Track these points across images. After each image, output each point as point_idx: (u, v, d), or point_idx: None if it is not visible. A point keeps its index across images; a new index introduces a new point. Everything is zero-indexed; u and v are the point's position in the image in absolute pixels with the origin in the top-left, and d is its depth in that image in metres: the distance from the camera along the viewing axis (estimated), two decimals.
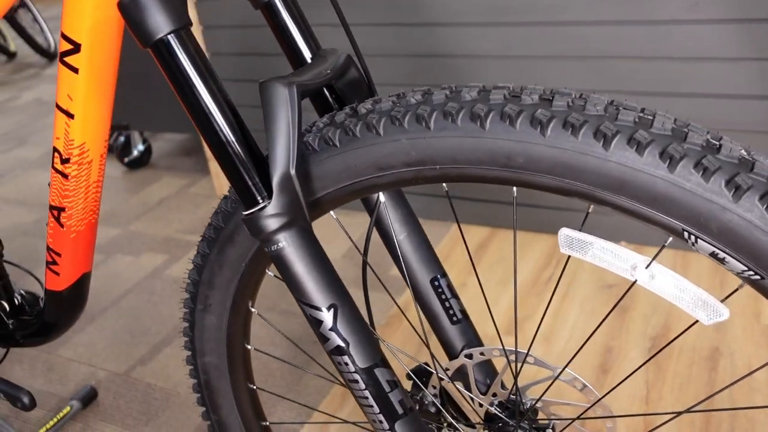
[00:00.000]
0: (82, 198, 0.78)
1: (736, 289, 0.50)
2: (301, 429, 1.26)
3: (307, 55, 0.64)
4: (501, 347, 0.66)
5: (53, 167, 0.75)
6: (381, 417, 0.58)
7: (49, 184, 0.79)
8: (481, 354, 0.69)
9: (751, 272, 0.46)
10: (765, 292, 0.47)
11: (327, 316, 0.56)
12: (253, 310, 0.74)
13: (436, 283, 0.70)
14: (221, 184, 2.22)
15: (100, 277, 1.89)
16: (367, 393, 0.58)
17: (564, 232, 0.53)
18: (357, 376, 0.58)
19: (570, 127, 0.47)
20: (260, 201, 0.55)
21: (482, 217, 1.81)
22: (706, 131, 0.47)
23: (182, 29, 0.52)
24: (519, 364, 0.66)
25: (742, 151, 0.46)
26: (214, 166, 2.20)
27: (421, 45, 1.67)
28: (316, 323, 0.57)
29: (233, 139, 0.54)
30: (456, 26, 1.61)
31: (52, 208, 0.79)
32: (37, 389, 1.47)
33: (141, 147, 2.52)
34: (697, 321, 0.51)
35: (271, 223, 0.55)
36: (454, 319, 0.71)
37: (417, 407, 0.74)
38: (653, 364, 1.30)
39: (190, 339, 0.78)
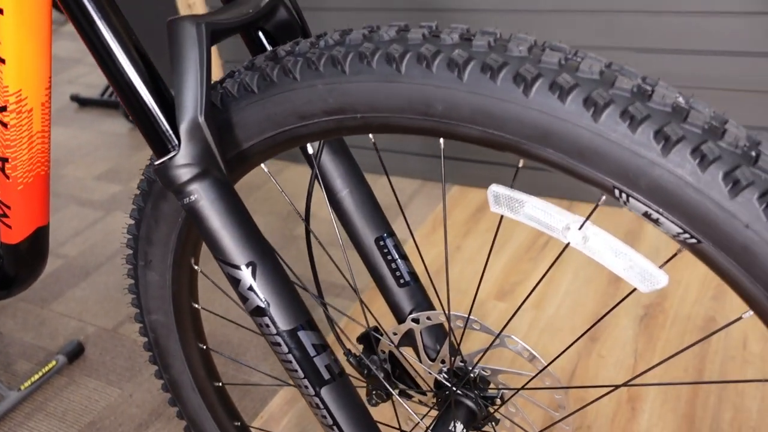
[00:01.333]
0: (25, 148, 0.75)
1: (674, 255, 0.45)
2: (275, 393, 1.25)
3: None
4: (444, 311, 0.62)
5: None
6: (306, 382, 0.55)
7: None
8: (428, 318, 0.65)
9: (687, 235, 0.41)
10: (704, 258, 0.42)
11: (245, 275, 0.53)
12: (196, 268, 0.72)
13: (382, 243, 0.66)
14: None
15: (98, 233, 1.89)
16: (290, 357, 0.55)
17: (493, 188, 0.48)
18: (279, 339, 0.54)
19: (489, 70, 0.42)
20: (170, 150, 0.51)
21: (482, 179, 1.75)
22: (641, 76, 0.42)
23: None
24: (462, 329, 0.62)
25: (679, 98, 0.40)
26: None
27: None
28: (235, 282, 0.54)
29: (140, 83, 0.51)
30: None
31: None
32: (28, 343, 1.48)
33: None
34: (635, 289, 0.47)
35: (182, 174, 0.51)
36: (401, 281, 0.67)
37: (366, 374, 0.71)
38: (643, 334, 1.25)
39: (136, 296, 0.75)
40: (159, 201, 0.65)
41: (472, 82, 0.43)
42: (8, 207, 0.81)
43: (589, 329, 0.59)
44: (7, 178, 0.78)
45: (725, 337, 1.20)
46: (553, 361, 0.59)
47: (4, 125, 0.72)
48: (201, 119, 0.49)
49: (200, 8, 1.97)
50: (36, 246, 0.88)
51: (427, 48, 0.44)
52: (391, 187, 0.61)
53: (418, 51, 0.44)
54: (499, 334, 0.60)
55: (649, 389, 1.13)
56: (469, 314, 0.60)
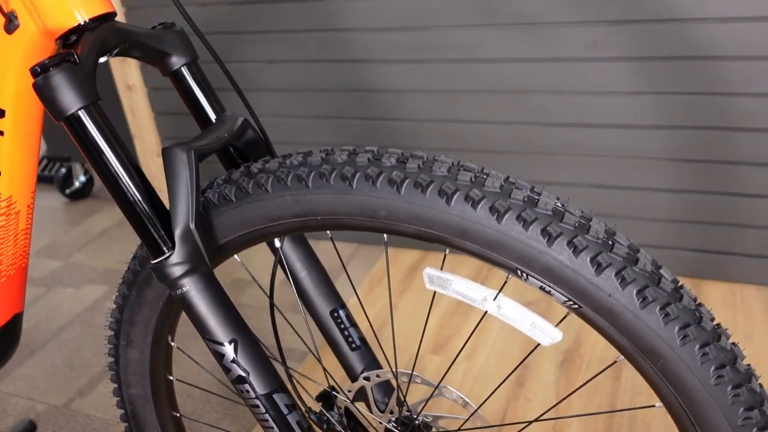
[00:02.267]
0: (11, 245, 0.84)
1: (564, 317, 0.60)
2: None
3: (212, 116, 0.73)
4: (391, 369, 0.75)
5: None
6: None
7: None
8: (377, 376, 0.77)
9: (571, 302, 0.56)
10: (585, 318, 0.57)
11: (228, 350, 0.64)
12: (172, 344, 0.82)
13: (336, 314, 0.79)
14: None
15: (41, 310, 1.92)
16: (267, 416, 0.66)
17: (427, 271, 0.62)
18: (258, 402, 0.65)
19: (419, 186, 0.56)
20: (165, 251, 0.63)
21: (412, 241, 1.90)
22: (530, 187, 0.57)
23: (91, 104, 0.60)
24: (407, 384, 0.75)
25: (557, 203, 0.56)
26: None
27: (348, 80, 1.76)
28: (219, 356, 0.65)
29: (140, 199, 0.62)
30: (381, 63, 1.71)
31: None
32: None
33: (83, 178, 2.55)
34: (539, 344, 0.61)
35: (175, 271, 0.62)
36: (353, 345, 0.79)
37: (326, 427, 0.82)
38: (563, 377, 1.40)
39: (115, 372, 0.84)
40: (143, 288, 0.75)
41: (407, 194, 0.57)
42: None
43: (510, 374, 0.73)
44: None
45: (633, 377, 1.37)
46: (482, 404, 0.73)
47: None
48: (192, 226, 0.61)
49: (140, 89, 2.07)
50: (12, 331, 0.96)
51: (372, 169, 0.58)
52: (338, 255, 0.74)
53: (365, 171, 0.58)
54: (437, 386, 0.73)
55: (571, 425, 1.27)
56: (413, 371, 0.73)
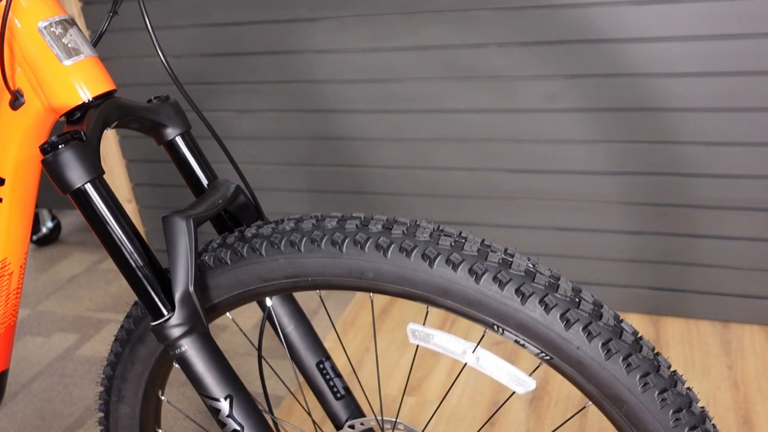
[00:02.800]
0: (2, 305, 0.86)
1: (537, 367, 0.65)
2: None
3: (205, 182, 0.77)
4: (375, 417, 0.79)
5: None
6: None
7: None
8: (361, 424, 0.81)
9: (543, 354, 0.62)
10: (556, 368, 0.63)
11: (224, 405, 0.68)
12: (162, 398, 0.84)
13: (321, 366, 0.83)
14: None
15: (11, 360, 1.89)
16: None
17: (410, 326, 0.67)
18: None
19: (404, 251, 0.62)
20: (165, 314, 0.67)
21: None
22: (504, 249, 0.63)
23: (96, 178, 0.64)
24: (391, 430, 0.79)
25: (529, 264, 0.62)
26: None
27: (319, 129, 1.83)
28: (215, 412, 0.68)
29: (141, 265, 0.66)
30: (350, 112, 1.78)
31: None
32: None
33: (50, 224, 2.54)
34: (514, 392, 0.66)
35: (175, 332, 0.66)
36: (338, 395, 0.84)
37: None
38: (533, 414, 1.46)
39: (105, 427, 0.86)
40: (137, 346, 0.78)
41: (393, 258, 0.62)
42: None
43: (485, 423, 0.78)
44: None
45: (599, 414, 1.43)
46: None
47: None
48: (191, 289, 0.65)
49: (111, 136, 2.09)
50: None
51: (360, 235, 0.63)
52: (328, 314, 0.79)
53: (354, 237, 0.63)
54: None
55: None
56: (396, 418, 0.77)
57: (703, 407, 0.62)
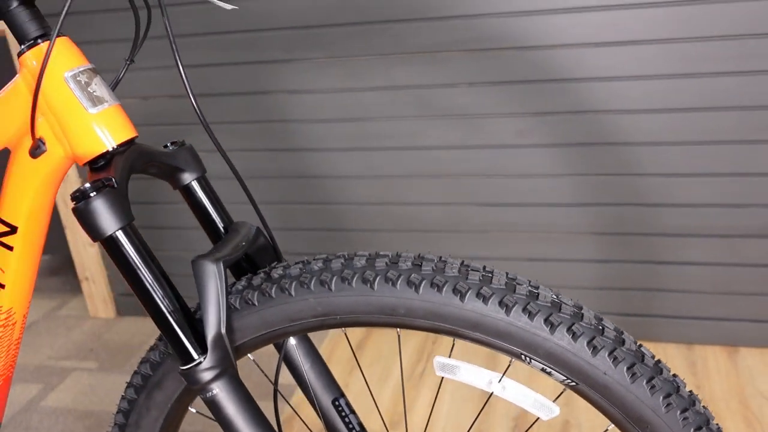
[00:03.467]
0: (4, 356, 0.84)
1: (561, 393, 0.68)
2: None
3: (221, 225, 0.78)
4: None
5: None
6: None
7: None
8: None
9: (569, 380, 0.65)
10: (581, 394, 0.66)
11: None
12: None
13: (337, 403, 0.84)
14: (94, 304, 2.21)
15: None
16: None
17: (437, 359, 0.70)
18: None
19: (435, 286, 0.64)
20: (196, 358, 0.67)
21: None
22: (528, 281, 0.66)
23: (127, 225, 0.65)
24: None
25: (553, 296, 0.65)
26: (86, 285, 2.19)
27: (293, 168, 1.84)
28: None
29: (171, 310, 0.66)
30: (323, 151, 1.81)
31: None
32: None
33: None
34: (538, 418, 0.69)
35: (206, 375, 0.66)
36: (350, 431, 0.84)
37: None
38: None
39: None
40: (153, 391, 0.77)
41: (425, 293, 0.65)
42: None
43: None
44: None
45: None
46: None
47: None
48: (223, 332, 0.66)
49: (73, 178, 2.05)
50: None
51: (392, 272, 0.65)
52: (350, 346, 0.80)
53: (385, 274, 0.65)
54: None
55: None
56: None
57: (718, 424, 0.66)
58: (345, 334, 0.77)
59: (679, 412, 0.63)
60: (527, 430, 0.74)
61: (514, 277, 0.67)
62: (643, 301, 1.74)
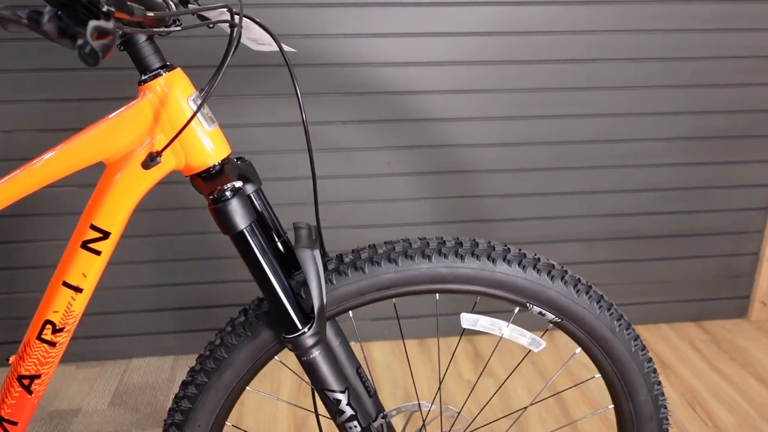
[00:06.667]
0: (54, 365, 0.88)
1: (547, 330, 0.98)
2: None
3: (274, 232, 0.93)
4: (417, 402, 1.01)
5: (39, 339, 0.85)
6: None
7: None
8: (400, 410, 1.03)
9: (557, 317, 0.94)
10: (562, 328, 0.95)
11: (344, 396, 0.86)
12: (228, 423, 0.95)
13: (359, 371, 1.02)
14: None
15: None
16: None
17: (463, 315, 0.94)
18: None
19: (476, 256, 0.90)
20: (300, 328, 0.83)
21: None
22: (535, 254, 0.94)
23: (253, 222, 0.79)
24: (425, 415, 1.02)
25: (546, 259, 0.94)
26: None
27: (174, 200, 1.91)
28: (336, 402, 0.85)
29: (283, 291, 0.82)
30: None
31: (22, 377, 0.87)
32: None
33: None
34: (530, 350, 0.97)
35: (309, 341, 0.83)
36: (370, 393, 1.03)
37: None
38: None
39: None
40: (224, 372, 0.89)
41: (468, 262, 0.89)
42: (15, 424, 0.90)
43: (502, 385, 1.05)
44: (30, 393, 0.89)
45: None
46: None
47: (53, 344, 0.87)
48: (325, 302, 0.83)
49: None
50: None
51: (444, 249, 0.89)
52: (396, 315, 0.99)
53: (438, 250, 0.89)
54: (460, 412, 1.02)
55: None
56: (432, 404, 1.01)
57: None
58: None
59: (625, 329, 0.95)
60: (519, 362, 1.01)
61: (520, 248, 0.94)
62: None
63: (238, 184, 0.79)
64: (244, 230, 0.79)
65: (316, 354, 0.84)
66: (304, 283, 0.86)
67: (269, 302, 0.83)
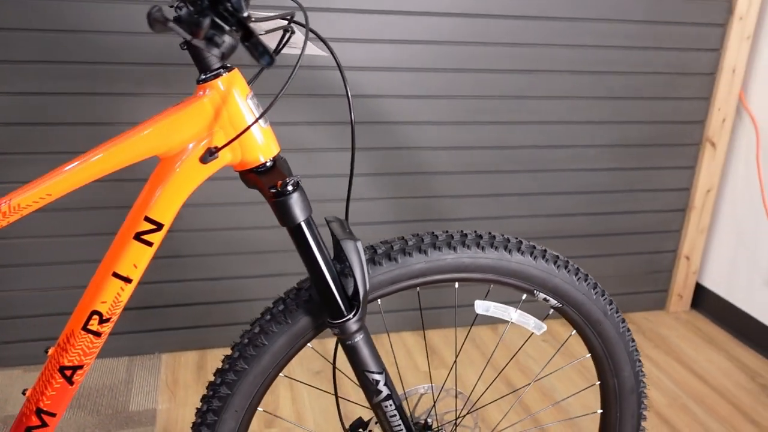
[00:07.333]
0: (95, 356, 0.90)
1: (548, 314, 1.09)
2: None
3: None
4: (430, 385, 1.09)
5: (85, 329, 0.87)
6: (402, 425, 0.96)
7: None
8: (418, 391, 1.10)
9: (559, 303, 1.05)
10: (561, 312, 1.06)
11: (382, 377, 0.92)
12: (259, 409, 0.99)
13: None
14: None
15: None
16: (400, 421, 0.95)
17: (477, 302, 1.03)
18: (395, 412, 0.94)
19: (494, 247, 0.99)
20: (346, 314, 0.89)
21: (192, 343, 2.07)
22: (542, 246, 1.04)
23: (309, 216, 0.85)
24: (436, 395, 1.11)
25: (552, 251, 1.05)
26: None
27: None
28: (375, 383, 0.92)
29: (333, 283, 0.87)
30: None
31: (65, 368, 0.88)
32: None
33: None
34: (533, 333, 1.08)
35: (354, 326, 0.89)
36: None
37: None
38: None
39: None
40: (262, 358, 0.94)
41: (488, 252, 0.98)
42: (53, 415, 0.90)
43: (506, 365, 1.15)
44: (71, 384, 0.90)
45: None
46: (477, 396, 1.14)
47: (98, 335, 0.88)
48: (367, 292, 0.89)
49: None
50: None
51: (465, 241, 0.98)
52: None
53: (462, 242, 0.97)
54: (443, 387, 1.11)
55: None
56: (444, 384, 1.10)
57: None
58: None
59: (615, 313, 1.08)
60: (524, 344, 1.11)
61: (527, 241, 1.05)
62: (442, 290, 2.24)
63: (298, 179, 0.84)
64: (302, 223, 0.85)
65: (360, 338, 0.90)
66: (342, 273, 0.92)
67: (319, 290, 0.88)
